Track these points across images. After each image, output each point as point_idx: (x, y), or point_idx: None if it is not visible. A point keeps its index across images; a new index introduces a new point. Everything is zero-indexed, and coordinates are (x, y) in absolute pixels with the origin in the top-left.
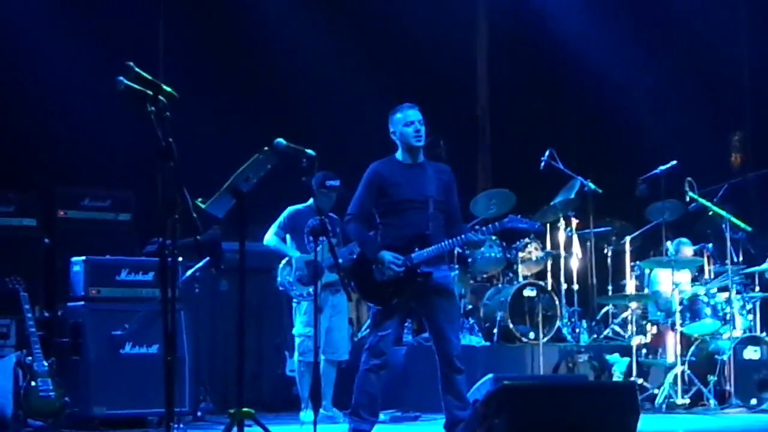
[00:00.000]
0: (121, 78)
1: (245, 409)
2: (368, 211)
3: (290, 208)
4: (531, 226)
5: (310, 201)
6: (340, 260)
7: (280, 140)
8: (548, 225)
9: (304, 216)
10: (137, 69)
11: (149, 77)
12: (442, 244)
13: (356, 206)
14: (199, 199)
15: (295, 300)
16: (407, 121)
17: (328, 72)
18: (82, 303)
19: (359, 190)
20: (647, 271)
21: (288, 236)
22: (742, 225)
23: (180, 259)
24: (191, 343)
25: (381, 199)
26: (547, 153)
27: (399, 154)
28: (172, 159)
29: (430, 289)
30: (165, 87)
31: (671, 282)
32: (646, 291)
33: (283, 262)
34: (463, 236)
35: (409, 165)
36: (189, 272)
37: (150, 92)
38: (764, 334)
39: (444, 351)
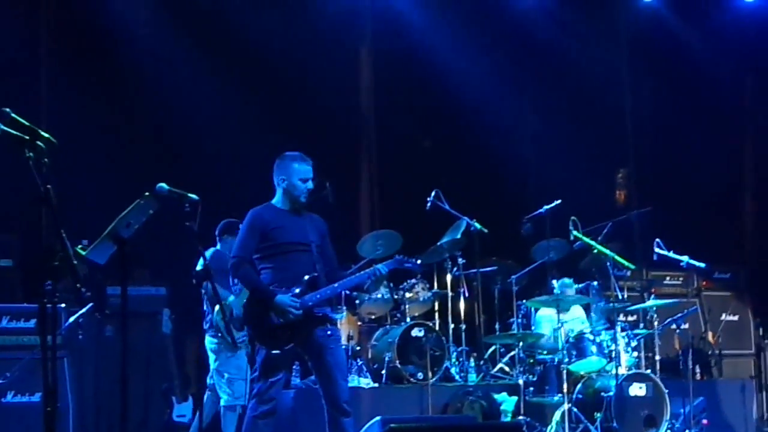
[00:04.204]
0: None
1: None
2: (252, 254)
3: (210, 250)
4: (415, 267)
5: (218, 246)
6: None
7: (163, 185)
8: (435, 265)
9: (224, 258)
10: (13, 114)
11: (26, 123)
12: (334, 286)
13: (242, 250)
14: (80, 246)
15: (217, 342)
16: (303, 177)
17: (213, 115)
18: None
19: (243, 235)
20: (533, 309)
21: None
22: (626, 263)
23: (63, 305)
24: (75, 390)
25: (263, 243)
26: (433, 194)
27: (278, 202)
28: (51, 205)
29: (319, 332)
30: (43, 133)
31: (549, 320)
32: (532, 329)
33: (218, 306)
34: (354, 277)
35: (288, 211)
36: (72, 318)
37: (27, 138)
38: (649, 370)
39: (331, 394)
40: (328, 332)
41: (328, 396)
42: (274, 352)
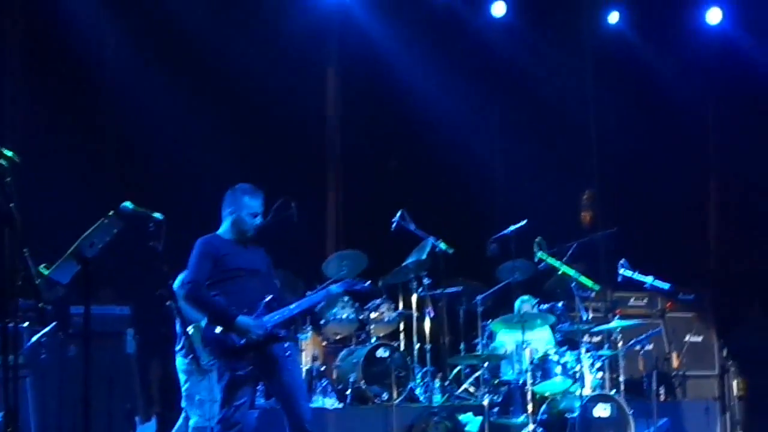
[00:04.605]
0: None
1: None
2: (206, 279)
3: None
4: (364, 289)
5: None
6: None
7: (127, 204)
8: (400, 285)
9: None
10: None
11: None
12: (290, 307)
13: (196, 274)
14: (43, 265)
15: (188, 363)
16: (254, 212)
17: (180, 134)
18: None
19: (196, 260)
20: (495, 330)
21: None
22: (590, 284)
23: (25, 324)
24: (38, 410)
25: (215, 268)
26: (398, 214)
27: (225, 233)
28: (14, 224)
29: (277, 353)
30: (5, 151)
31: (514, 341)
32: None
33: (191, 328)
34: (308, 298)
35: (235, 242)
36: (35, 338)
37: None
38: (614, 391)
39: (293, 415)
40: (287, 352)
41: (290, 417)
42: (238, 373)
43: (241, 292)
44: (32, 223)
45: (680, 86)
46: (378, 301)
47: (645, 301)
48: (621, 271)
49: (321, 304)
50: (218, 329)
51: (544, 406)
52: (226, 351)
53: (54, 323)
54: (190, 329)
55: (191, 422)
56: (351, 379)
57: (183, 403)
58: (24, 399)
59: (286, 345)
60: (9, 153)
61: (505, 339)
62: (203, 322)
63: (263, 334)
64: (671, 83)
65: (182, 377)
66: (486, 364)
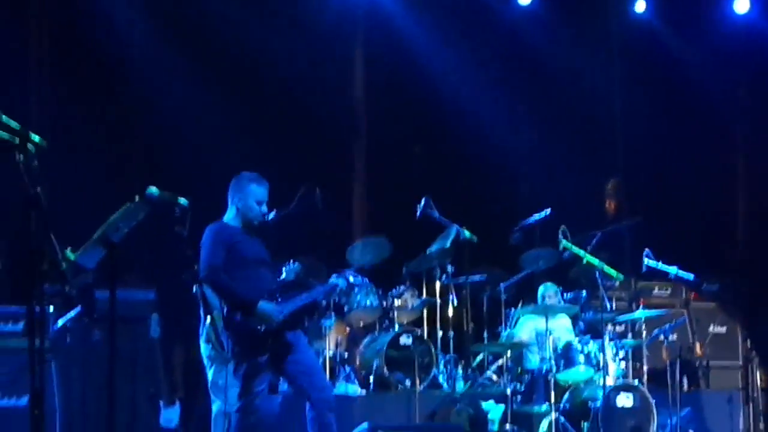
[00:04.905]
0: None
1: None
2: (222, 264)
3: None
4: (363, 283)
5: None
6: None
7: (153, 189)
8: (424, 272)
9: None
10: (3, 116)
11: (16, 125)
12: (303, 296)
13: (213, 259)
14: (69, 249)
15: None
16: (259, 200)
17: (205, 120)
18: None
19: (210, 247)
20: (520, 318)
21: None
22: (615, 273)
23: (51, 308)
24: (62, 394)
25: (228, 255)
26: (423, 201)
27: (232, 220)
28: (40, 208)
29: (290, 338)
30: (33, 135)
31: (535, 329)
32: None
33: (214, 315)
34: (320, 288)
35: (241, 229)
36: (60, 322)
37: (17, 141)
38: (637, 381)
39: (313, 389)
40: (298, 336)
41: (309, 393)
42: (256, 361)
43: (254, 280)
44: (58, 207)
45: (707, 75)
46: (402, 287)
47: (669, 291)
48: (645, 261)
49: (330, 295)
50: (239, 316)
51: (566, 395)
52: (247, 338)
53: (79, 308)
54: (209, 317)
55: (214, 407)
56: (374, 366)
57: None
58: (49, 383)
59: (297, 329)
60: (36, 138)
61: (526, 327)
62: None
63: (282, 320)
64: (698, 72)
65: (207, 363)
66: (509, 353)
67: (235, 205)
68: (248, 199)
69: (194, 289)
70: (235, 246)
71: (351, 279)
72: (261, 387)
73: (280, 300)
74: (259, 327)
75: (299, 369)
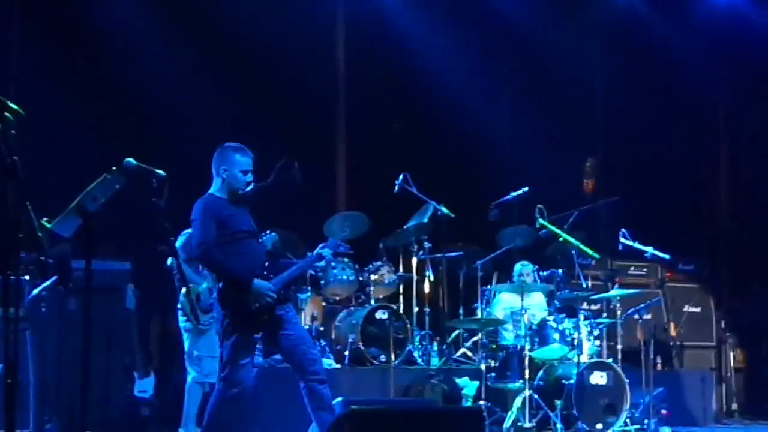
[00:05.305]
0: None
1: None
2: (213, 240)
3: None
4: (347, 251)
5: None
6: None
7: (130, 160)
8: (401, 248)
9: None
10: None
11: None
12: (293, 268)
13: (205, 235)
14: (45, 219)
15: (186, 321)
16: (244, 169)
17: (186, 92)
18: None
19: (201, 222)
20: (494, 294)
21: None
22: (591, 252)
23: (26, 277)
24: (37, 363)
25: (219, 230)
26: (401, 177)
27: (219, 192)
28: (17, 177)
29: (279, 312)
30: (10, 104)
31: (510, 307)
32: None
33: (189, 288)
34: (310, 255)
35: (228, 201)
36: (35, 291)
37: None
38: (611, 359)
39: (304, 364)
40: (287, 310)
41: (300, 368)
42: (249, 336)
43: (246, 254)
44: (35, 176)
45: (689, 56)
46: (378, 263)
47: (645, 270)
48: (621, 240)
49: (315, 266)
50: (233, 292)
51: (540, 372)
52: (241, 314)
53: (54, 277)
54: (183, 289)
55: (189, 377)
56: (350, 340)
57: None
58: (23, 352)
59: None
60: (14, 106)
61: (501, 304)
62: (204, 286)
63: (276, 297)
64: (680, 52)
65: (184, 335)
66: (484, 329)
67: (220, 176)
68: (233, 168)
69: (168, 262)
70: (226, 220)
71: (341, 249)
72: (246, 360)
73: (266, 272)
74: (253, 305)
75: (292, 342)
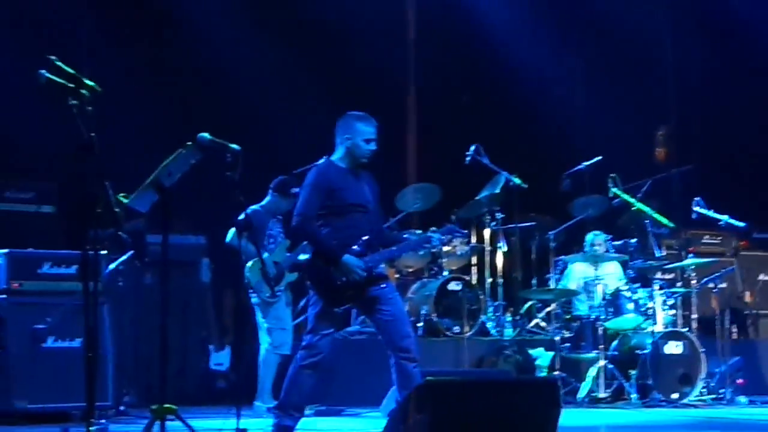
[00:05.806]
0: (43, 71)
1: (167, 405)
2: (316, 212)
3: (249, 209)
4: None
5: (265, 201)
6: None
7: (204, 135)
8: (474, 219)
9: (261, 216)
10: (59, 63)
11: (71, 71)
12: (392, 249)
13: (308, 207)
14: (122, 194)
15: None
16: (368, 138)
17: (257, 66)
18: (4, 296)
19: (308, 192)
20: (569, 266)
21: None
22: (665, 221)
23: (104, 252)
24: (115, 336)
25: (327, 202)
26: (472, 148)
27: (339, 159)
28: (94, 153)
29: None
30: (87, 81)
31: (583, 277)
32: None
33: (251, 262)
34: (411, 242)
35: (349, 170)
36: (112, 265)
37: (71, 85)
38: (686, 329)
39: (396, 341)
40: (383, 286)
41: (392, 344)
42: (335, 309)
43: (348, 228)
44: (112, 152)
45: (763, 18)
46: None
47: (719, 239)
48: (695, 208)
49: (423, 249)
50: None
51: (615, 342)
52: (327, 285)
53: (131, 251)
54: (249, 263)
55: (262, 349)
56: (423, 312)
57: None
58: (102, 326)
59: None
60: (90, 83)
61: (574, 275)
62: (265, 256)
63: (365, 276)
64: (754, 18)
65: (256, 309)
66: (558, 300)
67: (344, 144)
68: (356, 137)
69: (228, 238)
70: (336, 193)
71: (457, 236)
72: (329, 330)
73: (374, 248)
74: (340, 279)
75: (387, 318)
